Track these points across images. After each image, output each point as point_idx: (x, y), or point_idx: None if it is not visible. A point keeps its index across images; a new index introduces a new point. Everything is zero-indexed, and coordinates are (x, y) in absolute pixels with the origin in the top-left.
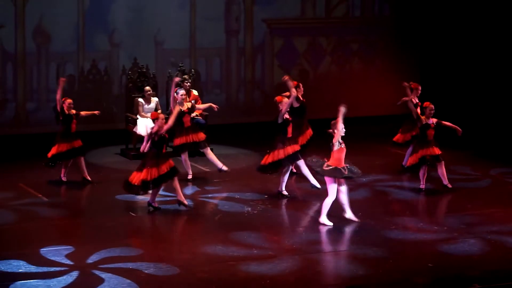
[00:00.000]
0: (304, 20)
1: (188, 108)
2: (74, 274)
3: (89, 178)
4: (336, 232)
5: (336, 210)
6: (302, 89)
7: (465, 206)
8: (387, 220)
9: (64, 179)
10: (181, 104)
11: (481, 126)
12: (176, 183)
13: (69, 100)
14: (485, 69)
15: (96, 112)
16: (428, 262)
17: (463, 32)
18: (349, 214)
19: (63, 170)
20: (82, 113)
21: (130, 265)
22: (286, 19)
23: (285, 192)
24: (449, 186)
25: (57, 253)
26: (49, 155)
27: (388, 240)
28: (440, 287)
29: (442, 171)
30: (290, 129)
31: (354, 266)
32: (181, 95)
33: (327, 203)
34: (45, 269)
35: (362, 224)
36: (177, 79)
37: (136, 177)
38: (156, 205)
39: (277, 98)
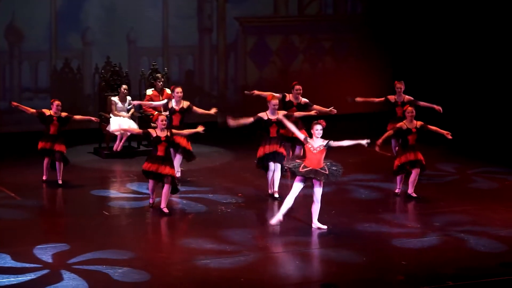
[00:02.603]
0: (277, 18)
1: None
2: (42, 273)
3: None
4: (310, 230)
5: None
6: (297, 91)
7: (438, 204)
8: (361, 218)
9: (44, 178)
10: (179, 102)
11: (453, 122)
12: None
13: (57, 102)
14: (458, 67)
15: (93, 118)
16: (401, 260)
17: (436, 30)
18: (316, 223)
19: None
20: (77, 117)
21: (103, 263)
22: (259, 17)
23: (275, 195)
24: (413, 195)
25: (28, 252)
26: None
27: (362, 238)
28: (414, 285)
29: (413, 178)
30: (273, 130)
31: (327, 264)
32: (177, 92)
33: (288, 201)
34: (18, 264)
35: (336, 222)
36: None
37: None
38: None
39: (268, 96)
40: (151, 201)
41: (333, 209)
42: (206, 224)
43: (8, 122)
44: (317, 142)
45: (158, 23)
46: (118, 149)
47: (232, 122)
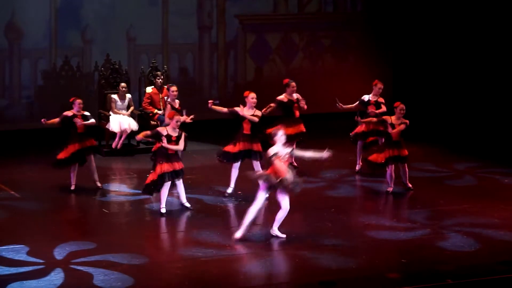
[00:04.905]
0: (276, 16)
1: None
2: (56, 272)
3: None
4: (309, 228)
5: (313, 204)
6: (292, 88)
7: (438, 201)
8: (360, 215)
9: (72, 187)
10: (173, 101)
11: (453, 121)
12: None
13: (79, 100)
14: (457, 65)
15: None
16: (401, 258)
17: (435, 28)
18: (275, 230)
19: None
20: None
21: (103, 262)
22: (259, 14)
23: (229, 190)
24: (409, 185)
25: (29, 250)
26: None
27: (361, 235)
28: (414, 283)
29: (404, 171)
30: (246, 126)
31: (327, 262)
32: (172, 91)
33: (253, 212)
34: (23, 268)
35: (335, 219)
36: None
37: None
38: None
39: (245, 92)
40: (163, 210)
41: (333, 206)
42: (205, 222)
43: (7, 120)
44: (282, 149)
45: (157, 21)
46: (118, 147)
47: (211, 105)
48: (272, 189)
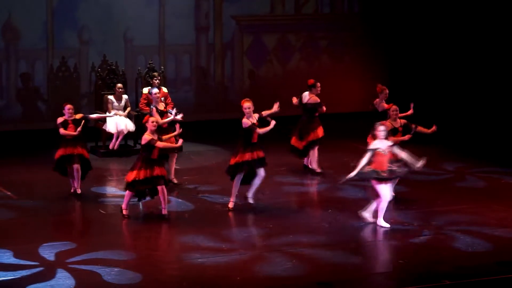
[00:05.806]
0: (273, 17)
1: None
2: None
3: (78, 191)
4: (306, 229)
5: (311, 205)
6: (318, 88)
7: (435, 202)
8: (357, 217)
9: (72, 190)
10: (157, 103)
11: (450, 121)
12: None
13: (68, 106)
14: (454, 66)
15: (108, 115)
16: (398, 259)
17: (432, 28)
18: (365, 213)
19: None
20: (92, 116)
21: (98, 262)
22: (256, 15)
23: (251, 201)
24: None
25: (28, 251)
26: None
27: (359, 236)
28: (410, 283)
29: None
30: (255, 135)
31: (325, 262)
32: (155, 93)
33: (382, 206)
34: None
35: (332, 221)
36: None
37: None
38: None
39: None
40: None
41: (330, 207)
42: (202, 223)
43: (5, 120)
44: (383, 144)
45: (154, 22)
46: (115, 148)
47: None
48: (382, 181)
